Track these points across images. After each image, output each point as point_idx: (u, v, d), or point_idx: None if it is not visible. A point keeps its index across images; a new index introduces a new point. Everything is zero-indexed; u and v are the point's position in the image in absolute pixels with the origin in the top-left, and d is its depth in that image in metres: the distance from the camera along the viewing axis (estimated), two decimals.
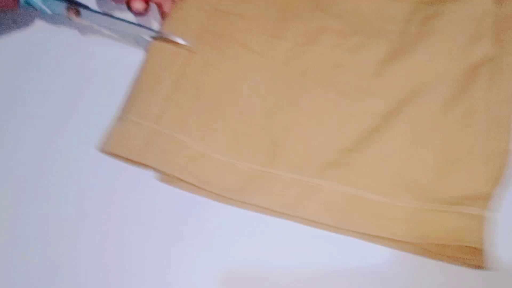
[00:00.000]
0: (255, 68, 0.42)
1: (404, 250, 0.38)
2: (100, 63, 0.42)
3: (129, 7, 0.42)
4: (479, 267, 0.36)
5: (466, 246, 0.35)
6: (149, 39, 0.41)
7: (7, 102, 0.40)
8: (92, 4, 0.42)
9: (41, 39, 0.43)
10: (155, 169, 0.39)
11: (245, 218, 0.39)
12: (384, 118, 0.40)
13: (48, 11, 0.39)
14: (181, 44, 0.41)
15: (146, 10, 0.42)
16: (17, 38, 0.42)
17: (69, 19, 0.40)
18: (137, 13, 0.42)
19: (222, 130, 0.40)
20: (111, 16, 0.41)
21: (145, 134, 0.38)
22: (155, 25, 0.44)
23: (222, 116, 0.40)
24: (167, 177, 0.39)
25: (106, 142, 0.38)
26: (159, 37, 0.41)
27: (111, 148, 0.38)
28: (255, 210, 0.39)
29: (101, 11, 0.42)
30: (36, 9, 0.39)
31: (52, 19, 0.42)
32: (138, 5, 0.41)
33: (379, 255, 0.37)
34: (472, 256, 0.36)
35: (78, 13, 0.40)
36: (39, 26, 0.43)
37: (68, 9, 0.39)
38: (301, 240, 0.38)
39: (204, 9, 0.43)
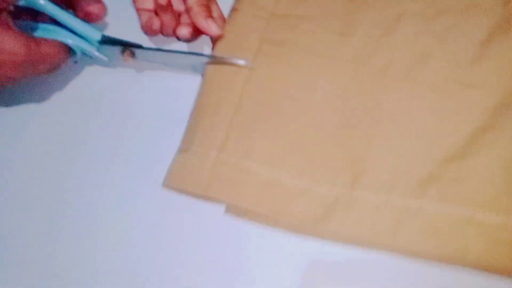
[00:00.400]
0: (325, 74, 0.36)
1: None
2: (159, 96, 0.40)
3: (177, 36, 0.39)
4: None
5: None
6: (205, 64, 0.38)
7: (72, 142, 0.40)
8: (144, 42, 0.40)
9: (100, 79, 0.42)
10: (223, 202, 0.35)
11: (319, 252, 0.33)
12: (494, 113, 0.32)
13: (105, 59, 0.38)
14: (239, 64, 0.37)
15: (194, 35, 0.39)
16: (77, 79, 0.42)
17: (124, 62, 0.38)
18: (185, 40, 0.39)
19: (294, 151, 0.35)
20: (163, 50, 0.39)
21: (210, 164, 0.35)
22: (207, 50, 0.41)
23: (291, 135, 0.35)
24: (237, 210, 0.35)
25: (169, 176, 0.36)
26: (214, 61, 0.38)
27: (176, 182, 0.35)
28: (339, 241, 0.33)
29: (154, 47, 0.40)
30: (92, 58, 0.38)
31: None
32: (183, 31, 0.38)
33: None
34: None
35: (133, 55, 0.38)
36: (95, 67, 0.42)
37: (123, 52, 0.38)
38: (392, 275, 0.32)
39: (261, 17, 0.39)
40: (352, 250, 0.33)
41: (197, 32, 0.39)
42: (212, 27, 0.38)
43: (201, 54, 0.38)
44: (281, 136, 0.35)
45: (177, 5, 0.40)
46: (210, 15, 0.38)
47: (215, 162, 0.35)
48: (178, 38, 0.40)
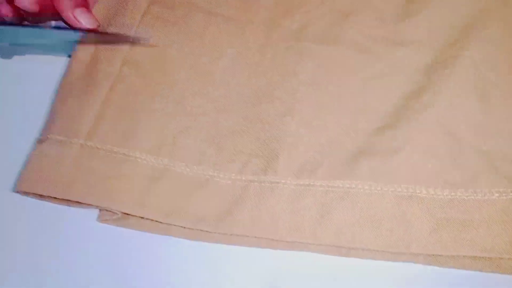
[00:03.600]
0: (230, 40, 0.29)
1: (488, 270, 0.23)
2: (17, 84, 0.31)
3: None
4: None
5: None
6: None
7: None
8: None
9: None
10: (94, 205, 0.26)
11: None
12: (429, 73, 0.27)
13: None
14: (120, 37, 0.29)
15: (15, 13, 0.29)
16: None
17: None
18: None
19: (189, 135, 0.27)
20: (28, 26, 0.30)
21: (73, 157, 0.26)
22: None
23: (187, 115, 0.27)
24: (114, 216, 0.26)
25: (21, 178, 0.26)
26: (90, 38, 0.29)
27: (27, 185, 0.26)
28: (248, 244, 0.25)
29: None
30: None
31: None
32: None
33: None
34: None
35: None
36: None
37: None
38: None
39: None
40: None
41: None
42: (83, 20, 0.29)
43: (79, 29, 0.29)
44: (173, 117, 0.27)
45: None
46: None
47: (79, 152, 0.26)
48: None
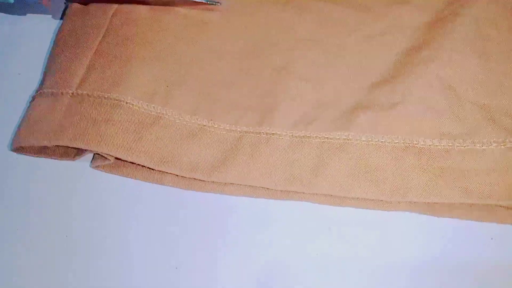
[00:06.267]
0: None
1: (484, 219, 0.23)
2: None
3: None
4: None
5: None
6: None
7: None
8: None
9: None
10: (86, 149, 0.25)
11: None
12: (430, 30, 0.27)
13: None
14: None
15: None
16: None
17: None
18: None
19: (183, 84, 0.26)
20: None
21: (65, 105, 0.25)
22: None
23: (180, 64, 0.27)
24: (106, 162, 0.26)
25: (16, 135, 0.25)
26: None
27: (21, 140, 0.25)
28: (241, 193, 0.25)
29: None
30: None
31: None
32: None
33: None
34: None
35: None
36: None
37: None
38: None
39: None
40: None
41: None
42: None
43: None
44: (166, 65, 0.26)
45: None
46: None
47: (70, 101, 0.25)
48: None
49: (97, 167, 0.26)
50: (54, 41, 0.28)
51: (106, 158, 0.25)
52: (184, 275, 0.23)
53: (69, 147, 0.25)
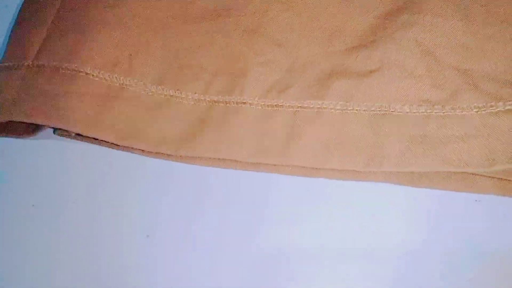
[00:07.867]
0: None
1: (463, 189, 0.22)
2: None
3: None
4: None
5: None
6: None
7: None
8: None
9: None
10: (42, 124, 0.24)
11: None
12: None
13: None
14: None
15: None
16: None
17: None
18: None
19: (146, 52, 0.24)
20: None
21: (21, 78, 0.23)
22: None
23: (145, 29, 0.25)
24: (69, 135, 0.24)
25: None
26: None
27: None
28: (211, 165, 0.24)
29: None
30: None
31: None
32: None
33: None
34: None
35: None
36: None
37: None
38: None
39: None
40: None
41: None
42: None
43: None
44: (128, 31, 0.25)
45: None
46: None
47: (25, 73, 0.23)
48: None
49: (62, 134, 0.25)
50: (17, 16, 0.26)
51: (67, 132, 0.24)
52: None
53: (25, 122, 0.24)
